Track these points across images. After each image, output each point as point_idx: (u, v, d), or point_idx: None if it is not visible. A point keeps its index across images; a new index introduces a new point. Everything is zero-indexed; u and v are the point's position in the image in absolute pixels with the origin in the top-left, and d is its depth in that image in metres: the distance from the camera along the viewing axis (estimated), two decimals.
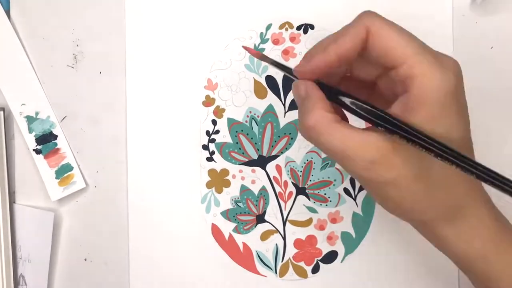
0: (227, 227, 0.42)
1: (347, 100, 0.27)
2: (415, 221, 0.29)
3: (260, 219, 0.42)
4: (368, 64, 0.29)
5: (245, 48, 0.33)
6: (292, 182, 0.42)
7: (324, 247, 0.42)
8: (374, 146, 0.26)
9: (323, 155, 0.41)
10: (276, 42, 0.41)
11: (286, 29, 0.41)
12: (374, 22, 0.26)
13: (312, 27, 0.41)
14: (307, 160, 0.41)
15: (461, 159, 0.24)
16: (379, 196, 0.28)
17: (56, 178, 0.43)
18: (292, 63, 0.41)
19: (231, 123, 0.42)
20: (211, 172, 0.42)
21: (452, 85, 0.25)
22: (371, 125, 0.27)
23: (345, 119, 0.30)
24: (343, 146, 0.26)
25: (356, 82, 0.30)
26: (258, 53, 0.32)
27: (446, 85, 0.25)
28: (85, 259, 0.43)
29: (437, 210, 0.27)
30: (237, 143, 0.42)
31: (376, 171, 0.26)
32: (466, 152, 0.25)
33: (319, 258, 0.42)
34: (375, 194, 0.28)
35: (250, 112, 0.42)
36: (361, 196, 0.41)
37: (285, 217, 0.42)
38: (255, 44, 0.42)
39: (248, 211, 0.42)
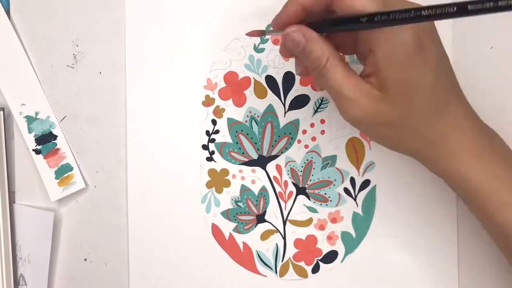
0: (227, 227, 0.42)
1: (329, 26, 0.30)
2: (408, 152, 0.33)
3: (260, 219, 0.42)
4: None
5: (249, 34, 0.36)
6: (292, 182, 0.42)
7: (324, 247, 0.42)
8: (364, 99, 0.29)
9: (323, 155, 0.41)
10: (276, 42, 0.41)
11: None
12: None
13: None
14: (307, 160, 0.41)
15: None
16: (375, 136, 0.33)
17: (56, 178, 0.43)
18: (292, 63, 0.41)
19: (231, 123, 0.42)
20: (211, 172, 0.42)
21: (410, 43, 0.28)
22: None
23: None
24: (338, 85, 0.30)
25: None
26: (259, 32, 0.36)
27: (403, 45, 0.28)
28: (85, 259, 0.43)
29: (421, 141, 0.31)
30: (237, 143, 0.42)
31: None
32: (441, 95, 0.30)
33: (319, 258, 0.42)
34: (371, 135, 0.33)
35: (250, 112, 0.42)
36: (361, 196, 0.41)
37: (285, 217, 0.42)
38: (255, 44, 0.42)
39: (248, 211, 0.42)
